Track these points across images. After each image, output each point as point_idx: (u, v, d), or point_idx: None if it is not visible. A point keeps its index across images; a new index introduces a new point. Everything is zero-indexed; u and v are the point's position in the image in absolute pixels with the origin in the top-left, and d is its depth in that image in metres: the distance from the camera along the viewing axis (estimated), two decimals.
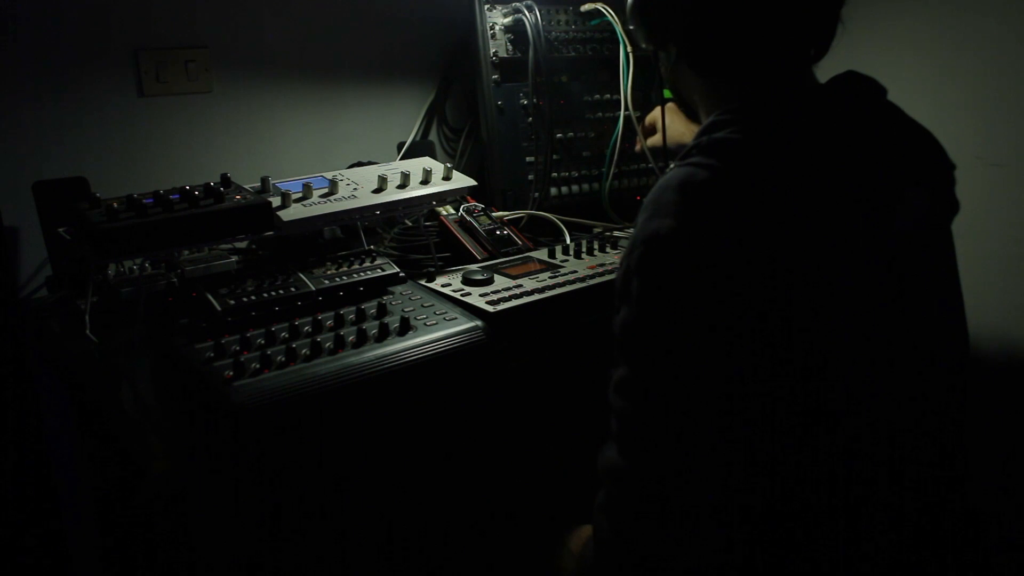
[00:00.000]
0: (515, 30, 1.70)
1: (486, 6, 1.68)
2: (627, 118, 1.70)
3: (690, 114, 1.10)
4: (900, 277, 0.90)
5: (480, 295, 1.27)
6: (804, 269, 0.84)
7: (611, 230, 1.66)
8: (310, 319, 1.15)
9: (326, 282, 1.23)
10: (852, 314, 0.87)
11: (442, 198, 1.41)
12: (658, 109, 1.61)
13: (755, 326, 0.83)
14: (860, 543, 0.90)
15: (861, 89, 0.94)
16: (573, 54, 1.76)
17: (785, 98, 0.92)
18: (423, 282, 1.33)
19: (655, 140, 1.58)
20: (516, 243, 1.52)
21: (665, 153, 1.43)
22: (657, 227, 0.83)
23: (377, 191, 1.35)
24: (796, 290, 0.84)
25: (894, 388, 0.91)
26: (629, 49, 1.68)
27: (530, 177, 1.72)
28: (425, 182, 1.39)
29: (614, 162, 1.75)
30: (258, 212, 1.20)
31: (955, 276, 0.98)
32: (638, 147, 1.66)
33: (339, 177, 1.38)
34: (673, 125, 1.44)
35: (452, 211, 1.53)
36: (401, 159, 1.77)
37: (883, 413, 0.90)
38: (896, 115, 0.95)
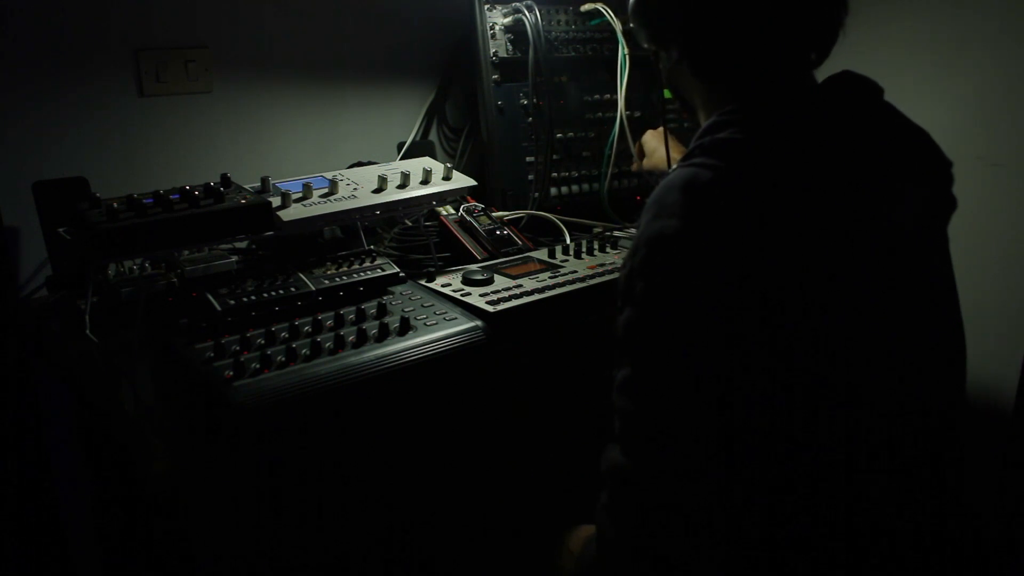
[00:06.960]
0: (515, 30, 1.70)
1: (486, 6, 1.68)
2: (623, 119, 1.69)
3: (690, 113, 1.10)
4: (900, 274, 0.91)
5: (480, 295, 1.27)
6: (807, 267, 0.84)
7: (611, 230, 1.66)
8: (310, 319, 1.15)
9: (326, 282, 1.23)
10: (854, 310, 0.87)
11: (442, 198, 1.41)
12: (649, 133, 1.63)
13: (758, 325, 0.83)
14: (862, 541, 0.90)
15: (858, 89, 0.95)
16: (573, 54, 1.76)
17: (785, 98, 0.92)
18: (423, 282, 1.33)
19: (649, 163, 1.63)
20: (516, 243, 1.52)
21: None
22: (661, 227, 0.83)
23: (377, 191, 1.35)
24: (799, 288, 0.84)
25: (895, 384, 0.91)
26: (627, 50, 1.67)
27: (530, 177, 1.72)
28: (425, 182, 1.39)
29: (612, 162, 1.76)
30: (258, 212, 1.20)
31: (951, 272, 0.98)
32: (635, 167, 1.70)
33: (339, 177, 1.38)
34: (669, 152, 1.44)
35: (452, 211, 1.53)
36: (401, 159, 1.77)
37: (884, 409, 0.90)
38: (893, 114, 0.96)
